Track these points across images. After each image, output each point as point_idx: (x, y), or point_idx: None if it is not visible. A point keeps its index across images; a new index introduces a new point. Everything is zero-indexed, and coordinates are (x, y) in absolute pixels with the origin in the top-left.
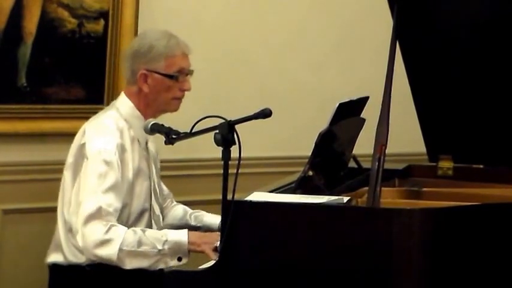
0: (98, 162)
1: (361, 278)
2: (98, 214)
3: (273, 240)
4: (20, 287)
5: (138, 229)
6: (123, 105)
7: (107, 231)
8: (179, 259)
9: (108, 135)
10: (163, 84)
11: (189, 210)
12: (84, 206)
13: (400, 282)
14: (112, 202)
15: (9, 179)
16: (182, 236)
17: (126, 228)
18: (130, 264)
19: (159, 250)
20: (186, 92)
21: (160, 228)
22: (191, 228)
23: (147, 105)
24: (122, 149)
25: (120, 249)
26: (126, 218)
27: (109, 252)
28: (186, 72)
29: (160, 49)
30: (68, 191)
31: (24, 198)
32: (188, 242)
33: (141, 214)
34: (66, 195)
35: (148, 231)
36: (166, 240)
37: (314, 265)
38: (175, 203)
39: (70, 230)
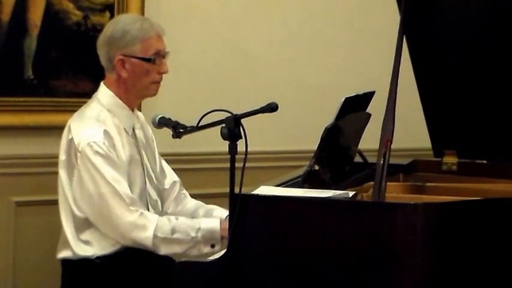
0: (92, 155)
1: (365, 271)
2: (122, 202)
3: (279, 234)
4: (34, 278)
5: (172, 217)
6: (103, 95)
7: (139, 217)
8: (212, 246)
9: (93, 126)
10: (141, 69)
11: (201, 205)
12: (104, 198)
13: (403, 276)
14: (125, 188)
15: (19, 171)
16: (215, 223)
17: (157, 215)
18: (165, 250)
19: (192, 237)
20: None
21: (158, 212)
22: None
23: (127, 92)
24: (108, 136)
25: (155, 235)
26: None
27: (144, 236)
28: (162, 54)
29: (134, 33)
30: (66, 189)
31: (36, 191)
32: (221, 229)
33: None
34: (66, 193)
35: (181, 218)
36: (199, 228)
37: (318, 258)
38: (188, 197)
39: (80, 224)
